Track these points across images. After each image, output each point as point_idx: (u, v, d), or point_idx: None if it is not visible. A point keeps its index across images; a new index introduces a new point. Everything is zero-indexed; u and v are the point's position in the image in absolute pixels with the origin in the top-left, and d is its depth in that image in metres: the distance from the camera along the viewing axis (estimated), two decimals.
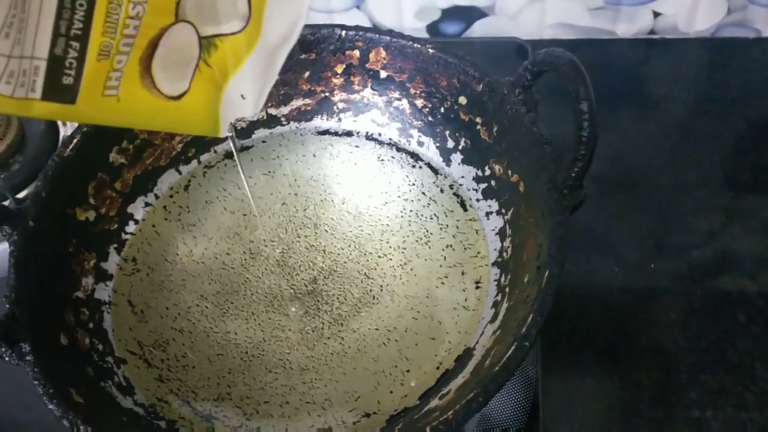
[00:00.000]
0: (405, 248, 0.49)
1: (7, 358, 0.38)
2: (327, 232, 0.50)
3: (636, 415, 0.47)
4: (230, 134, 0.37)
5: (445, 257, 0.48)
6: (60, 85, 0.31)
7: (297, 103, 0.54)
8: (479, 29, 0.71)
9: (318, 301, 0.47)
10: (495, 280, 0.46)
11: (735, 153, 0.61)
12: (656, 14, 0.69)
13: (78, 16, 0.31)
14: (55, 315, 0.43)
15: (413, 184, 0.52)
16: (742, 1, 0.67)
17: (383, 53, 0.51)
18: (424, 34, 0.72)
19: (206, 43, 0.34)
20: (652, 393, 0.48)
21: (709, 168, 0.59)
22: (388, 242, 0.49)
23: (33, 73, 0.31)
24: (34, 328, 0.40)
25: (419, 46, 0.50)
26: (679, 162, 0.60)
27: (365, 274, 0.48)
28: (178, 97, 0.35)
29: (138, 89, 0.33)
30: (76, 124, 0.48)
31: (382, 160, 0.53)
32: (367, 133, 0.54)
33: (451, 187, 0.51)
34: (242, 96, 0.36)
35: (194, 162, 0.53)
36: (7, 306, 0.40)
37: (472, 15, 0.70)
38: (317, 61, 0.52)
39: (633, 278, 0.53)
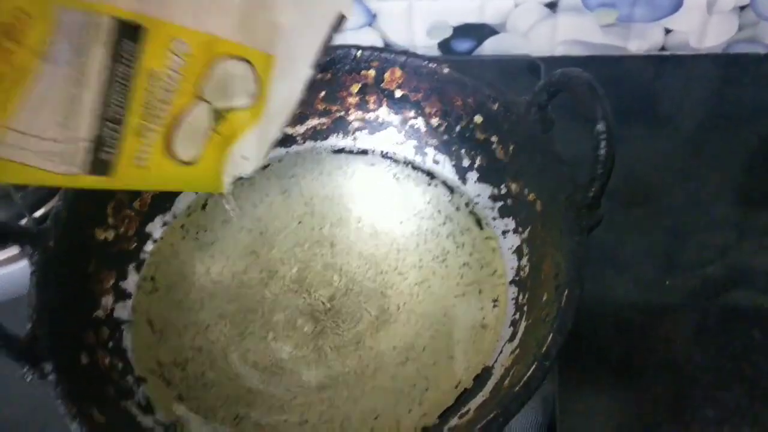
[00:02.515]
0: (422, 266, 0.49)
1: (29, 379, 0.39)
2: (343, 250, 0.50)
3: None
4: (228, 190, 0.42)
5: (462, 275, 0.48)
6: (100, 161, 0.36)
7: (313, 122, 0.55)
8: (490, 46, 0.71)
9: (335, 319, 0.47)
10: (513, 299, 0.46)
11: (747, 169, 0.61)
12: (667, 31, 0.69)
13: (118, 102, 0.35)
14: (76, 334, 0.44)
15: (429, 203, 0.52)
16: (753, 17, 0.67)
17: (398, 73, 0.52)
18: (436, 52, 0.72)
19: (218, 116, 0.39)
20: (669, 410, 0.47)
21: (722, 184, 0.59)
22: (404, 260, 0.49)
23: (78, 152, 0.35)
24: (56, 348, 0.40)
25: (434, 65, 0.50)
26: (691, 178, 0.60)
27: (382, 292, 0.48)
28: (191, 163, 0.39)
29: (160, 158, 0.38)
30: None
31: (398, 178, 0.53)
32: (383, 151, 0.54)
33: (467, 205, 0.51)
34: (243, 157, 0.41)
35: None
36: (29, 326, 0.40)
37: (483, 32, 0.70)
38: (333, 81, 0.53)
39: (647, 295, 0.53)
